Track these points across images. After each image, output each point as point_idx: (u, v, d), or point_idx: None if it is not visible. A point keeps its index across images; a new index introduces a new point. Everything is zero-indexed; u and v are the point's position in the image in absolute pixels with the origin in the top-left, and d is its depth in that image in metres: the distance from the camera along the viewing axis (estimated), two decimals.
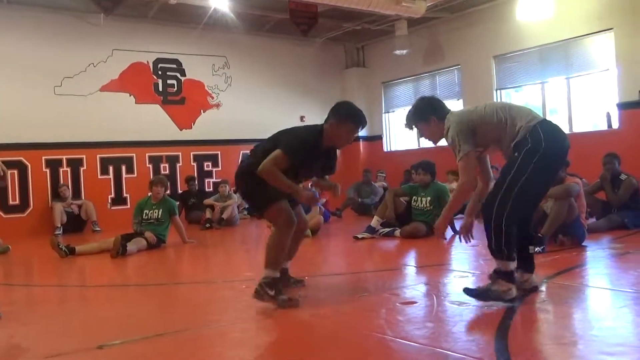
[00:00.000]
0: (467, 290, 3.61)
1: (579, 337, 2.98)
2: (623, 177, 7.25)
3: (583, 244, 5.84)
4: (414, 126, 3.99)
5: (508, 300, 3.46)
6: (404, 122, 4.08)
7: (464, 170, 3.59)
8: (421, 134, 4.05)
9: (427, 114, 3.87)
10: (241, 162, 4.35)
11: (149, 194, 7.75)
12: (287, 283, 4.32)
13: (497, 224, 3.42)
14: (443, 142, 3.88)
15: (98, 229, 10.42)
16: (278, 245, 3.90)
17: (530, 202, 3.65)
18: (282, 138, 3.99)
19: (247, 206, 11.91)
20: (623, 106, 9.76)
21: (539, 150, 3.41)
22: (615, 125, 9.95)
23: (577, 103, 10.71)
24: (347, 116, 4.06)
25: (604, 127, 10.18)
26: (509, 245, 3.44)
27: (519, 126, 3.52)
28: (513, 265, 3.51)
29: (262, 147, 4.05)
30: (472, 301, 3.60)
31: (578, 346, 2.82)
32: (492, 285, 3.51)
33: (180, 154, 12.30)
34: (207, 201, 10.60)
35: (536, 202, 3.93)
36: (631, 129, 9.55)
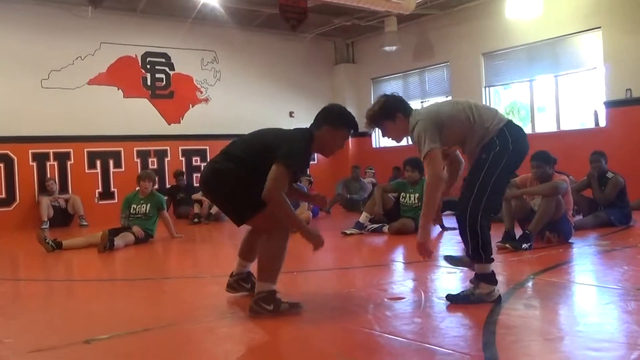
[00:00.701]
0: (450, 297, 3.57)
1: (565, 333, 3.00)
2: (610, 175, 7.30)
3: (570, 240, 5.88)
4: (377, 125, 3.75)
5: (492, 302, 3.47)
6: (366, 122, 3.78)
7: (429, 167, 3.45)
8: (384, 133, 3.79)
9: (394, 110, 3.68)
10: (211, 163, 3.73)
11: (137, 188, 7.71)
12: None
13: (472, 229, 3.44)
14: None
15: (85, 223, 10.35)
16: (275, 256, 3.46)
17: (497, 202, 3.79)
18: (278, 146, 3.47)
19: None
20: (610, 104, 9.84)
21: (507, 152, 3.44)
22: (603, 123, 10.02)
23: (565, 101, 10.78)
24: (343, 122, 3.74)
25: (591, 125, 10.26)
26: (486, 247, 3.47)
27: (487, 127, 3.50)
28: (492, 266, 3.54)
29: (242, 148, 3.63)
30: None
31: (564, 342, 2.84)
32: (474, 289, 3.52)
33: (168, 148, 12.25)
34: (196, 196, 10.56)
35: (501, 200, 4.00)
36: (618, 127, 9.63)
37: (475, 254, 3.49)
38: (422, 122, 3.51)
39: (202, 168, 4.07)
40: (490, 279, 3.52)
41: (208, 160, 12.42)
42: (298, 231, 3.50)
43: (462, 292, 3.59)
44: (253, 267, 3.83)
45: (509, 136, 3.47)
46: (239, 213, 3.59)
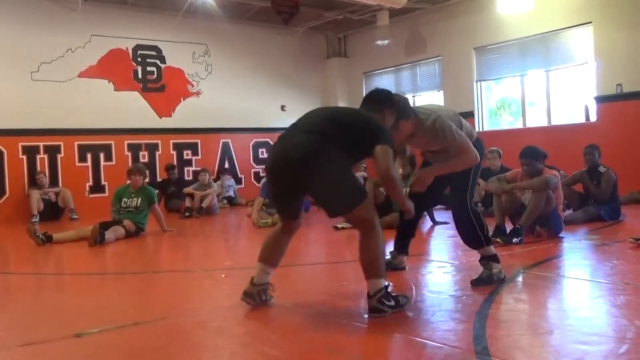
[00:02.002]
0: (475, 282, 3.84)
1: (555, 327, 3.01)
2: (602, 169, 7.31)
3: (560, 235, 5.91)
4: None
5: (503, 279, 3.88)
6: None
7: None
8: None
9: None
10: (288, 137, 3.27)
11: (128, 182, 7.69)
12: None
13: (474, 212, 3.94)
14: None
15: (76, 216, 10.31)
16: (381, 251, 3.24)
17: (473, 194, 4.13)
18: (375, 125, 3.31)
19: (227, 194, 11.91)
20: (601, 99, 9.88)
21: (481, 157, 3.96)
22: (593, 118, 10.06)
23: (556, 96, 10.82)
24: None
25: (582, 120, 10.30)
26: (485, 230, 3.95)
27: (470, 138, 3.91)
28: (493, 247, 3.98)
29: (333, 127, 3.25)
30: (450, 291, 3.66)
31: (554, 335, 2.86)
32: (490, 269, 3.87)
33: (159, 142, 12.19)
34: (187, 190, 10.55)
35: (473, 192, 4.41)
36: (608, 122, 9.67)
37: (479, 241, 3.92)
38: (442, 118, 3.80)
39: (276, 146, 3.33)
40: (496, 258, 3.93)
41: (199, 154, 12.52)
42: (402, 202, 3.51)
43: (482, 275, 3.88)
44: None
45: (479, 145, 4.00)
46: (340, 201, 3.20)
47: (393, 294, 3.27)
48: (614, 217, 7.06)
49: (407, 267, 4.53)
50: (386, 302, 3.17)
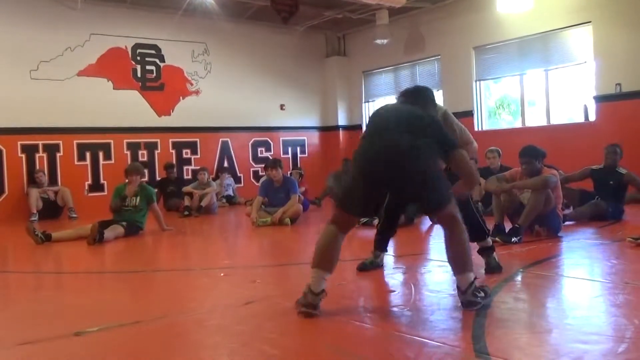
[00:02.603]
0: (489, 270, 4.19)
1: (553, 326, 3.01)
2: (622, 171, 7.21)
3: (559, 234, 5.91)
4: None
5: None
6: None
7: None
8: None
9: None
10: (383, 137, 3.32)
11: (126, 180, 7.68)
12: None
13: (475, 206, 4.30)
14: None
15: (75, 215, 10.30)
16: (468, 245, 3.34)
17: None
18: (446, 133, 3.49)
19: (226, 193, 11.91)
20: (600, 99, 9.88)
21: None
22: (592, 117, 10.06)
23: (555, 95, 10.82)
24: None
25: (581, 119, 10.30)
26: (485, 223, 4.33)
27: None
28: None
29: (415, 131, 3.30)
30: (449, 290, 3.65)
31: (553, 334, 2.86)
32: (494, 257, 4.27)
33: (158, 140, 12.18)
34: (186, 189, 10.54)
35: None
36: (607, 121, 9.67)
37: (481, 231, 4.24)
38: (448, 111, 4.22)
39: (367, 146, 3.38)
40: (494, 247, 4.36)
41: (198, 153, 12.51)
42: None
43: (491, 264, 4.24)
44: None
45: None
46: (439, 197, 3.28)
47: (478, 285, 3.36)
48: (617, 217, 7.00)
49: (406, 267, 4.53)
50: (478, 294, 3.27)
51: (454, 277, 3.35)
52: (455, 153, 3.38)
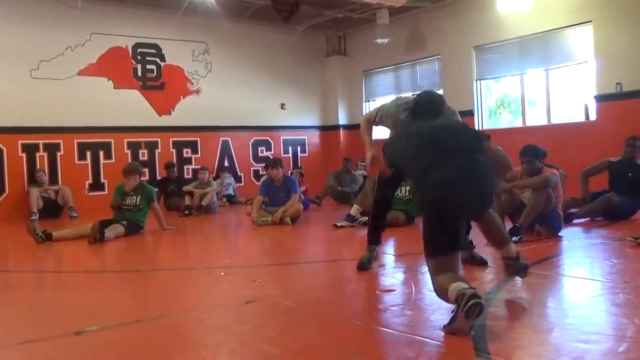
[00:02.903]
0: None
1: (554, 325, 3.01)
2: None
3: (559, 234, 5.91)
4: None
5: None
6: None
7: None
8: None
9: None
10: (470, 158, 3.19)
11: (126, 181, 7.68)
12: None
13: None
14: None
15: (75, 214, 10.30)
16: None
17: None
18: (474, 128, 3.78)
19: (226, 193, 11.91)
20: (600, 98, 9.87)
21: None
22: (593, 117, 10.06)
23: (556, 94, 10.81)
24: None
25: (581, 118, 10.30)
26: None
27: None
28: None
29: (468, 139, 3.34)
30: None
31: (553, 334, 2.86)
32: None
33: (159, 140, 12.18)
34: (187, 188, 10.53)
35: None
36: (608, 121, 9.66)
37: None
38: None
39: (460, 166, 3.12)
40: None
41: (199, 152, 12.50)
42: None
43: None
44: None
45: None
46: (490, 203, 3.43)
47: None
48: (626, 215, 6.91)
49: (406, 266, 4.53)
50: (522, 261, 3.69)
51: (499, 251, 3.66)
52: (489, 145, 3.57)
